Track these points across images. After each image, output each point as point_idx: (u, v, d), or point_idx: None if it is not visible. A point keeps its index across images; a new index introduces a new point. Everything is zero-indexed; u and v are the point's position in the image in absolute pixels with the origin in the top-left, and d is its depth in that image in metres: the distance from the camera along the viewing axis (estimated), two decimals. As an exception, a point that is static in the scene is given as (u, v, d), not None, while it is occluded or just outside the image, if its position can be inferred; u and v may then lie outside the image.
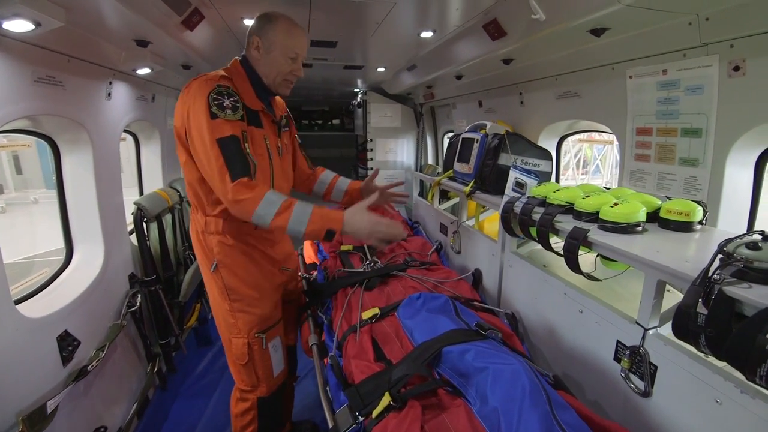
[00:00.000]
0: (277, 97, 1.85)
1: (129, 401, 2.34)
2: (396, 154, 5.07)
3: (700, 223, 1.32)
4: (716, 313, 0.86)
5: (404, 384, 1.21)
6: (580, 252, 1.32)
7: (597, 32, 1.69)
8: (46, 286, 1.96)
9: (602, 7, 1.47)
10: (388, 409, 1.14)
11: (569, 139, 2.92)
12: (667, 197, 1.56)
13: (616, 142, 2.07)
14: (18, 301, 1.69)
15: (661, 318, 1.11)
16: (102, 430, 1.99)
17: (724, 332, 0.85)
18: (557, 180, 2.80)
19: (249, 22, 2.15)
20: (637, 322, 1.14)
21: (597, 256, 1.43)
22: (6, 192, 10.38)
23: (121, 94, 2.38)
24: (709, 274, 0.90)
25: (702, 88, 1.57)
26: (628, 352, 1.15)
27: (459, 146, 2.38)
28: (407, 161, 5.13)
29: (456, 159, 2.38)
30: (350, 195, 2.05)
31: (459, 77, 3.07)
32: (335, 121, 6.86)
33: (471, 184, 2.13)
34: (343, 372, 1.43)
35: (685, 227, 1.31)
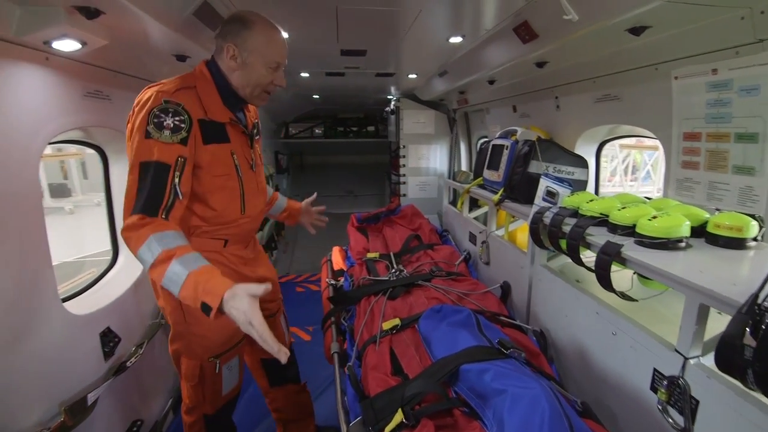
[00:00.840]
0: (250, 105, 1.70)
1: (165, 397, 2.45)
2: (429, 160, 5.02)
3: (755, 239, 1.18)
4: (766, 345, 0.75)
5: (419, 401, 1.18)
6: (615, 268, 1.22)
7: (636, 31, 1.57)
8: (92, 285, 2.11)
9: (641, 5, 1.36)
10: (400, 426, 1.11)
11: (616, 144, 2.74)
12: (718, 210, 1.41)
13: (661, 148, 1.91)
14: (66, 299, 1.83)
15: (704, 346, 1.00)
16: (138, 423, 2.11)
17: (775, 368, 0.74)
18: (598, 188, 2.64)
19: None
20: (676, 350, 1.03)
21: (634, 273, 1.33)
22: (74, 195, 11.43)
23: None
24: (759, 300, 0.79)
25: (758, 88, 1.41)
26: (666, 382, 1.04)
27: (489, 153, 2.30)
28: (440, 168, 5.06)
29: (486, 166, 2.30)
30: (289, 211, 2.09)
31: (491, 82, 2.99)
32: (370, 128, 6.92)
33: (500, 192, 2.05)
34: (360, 383, 1.42)
35: (736, 244, 1.17)
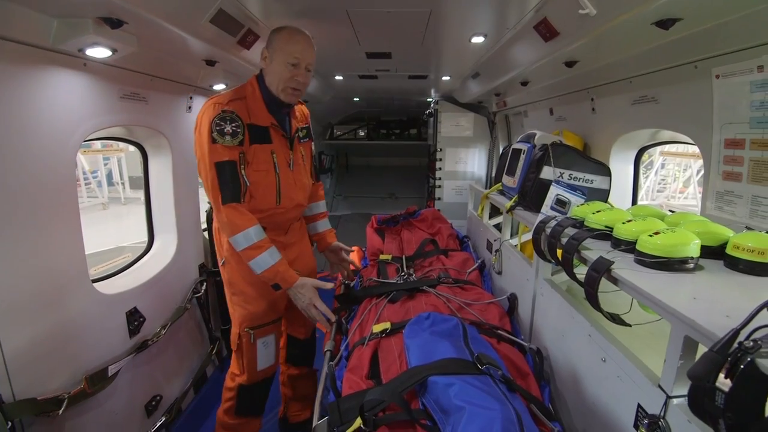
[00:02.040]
0: (300, 108, 1.97)
1: (187, 376, 2.64)
2: (466, 164, 4.87)
3: (784, 266, 1.00)
4: (740, 392, 0.64)
5: (383, 408, 1.15)
6: (615, 288, 1.10)
7: (664, 24, 1.40)
8: (127, 269, 2.34)
9: None
10: (359, 431, 1.09)
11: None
12: (748, 228, 1.22)
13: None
14: (97, 280, 2.04)
15: (693, 384, 0.86)
16: (158, 398, 2.29)
17: (749, 420, 0.63)
18: (636, 198, 2.40)
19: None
20: (659, 386, 0.90)
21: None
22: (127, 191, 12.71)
23: (200, 106, 2.72)
24: (741, 338, 0.67)
25: (815, 88, 1.20)
26: (646, 422, 0.92)
27: (509, 157, 2.19)
28: (478, 172, 4.90)
29: (505, 171, 2.19)
30: (320, 238, 2.26)
31: (524, 83, 2.84)
32: (412, 131, 6.89)
33: (514, 199, 1.94)
34: (337, 383, 1.42)
35: (759, 269, 1.00)
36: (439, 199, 4.95)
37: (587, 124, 2.50)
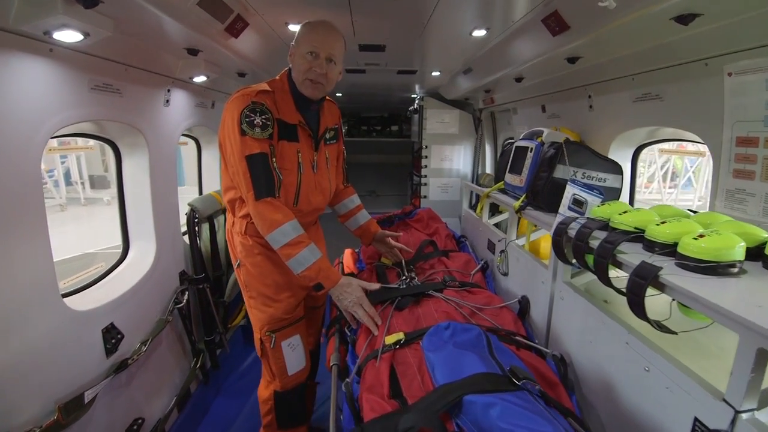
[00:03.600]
0: (330, 107, 1.87)
1: (170, 394, 2.43)
2: (452, 161, 4.84)
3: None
4: None
5: (415, 432, 1.05)
6: (651, 292, 1.05)
7: (684, 19, 1.37)
8: (100, 280, 2.11)
9: None
10: (391, 460, 0.99)
11: (655, 148, 2.49)
12: (781, 228, 1.20)
13: (708, 154, 1.69)
14: (68, 294, 1.82)
15: (761, 397, 0.82)
16: (140, 421, 2.08)
17: None
18: (633, 197, 2.41)
19: (294, 28, 2.13)
20: (725, 400, 0.85)
21: (673, 299, 1.14)
22: (112, 187, 11.96)
23: (179, 100, 2.51)
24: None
25: (837, 86, 1.20)
26: (709, 436, 0.87)
27: (512, 155, 2.13)
28: (464, 169, 4.87)
29: (508, 169, 2.13)
30: (363, 230, 2.17)
31: (519, 80, 2.80)
32: (394, 128, 6.80)
33: (522, 198, 1.88)
34: (356, 402, 1.30)
35: (805, 272, 0.98)
36: (425, 197, 4.90)
37: (584, 121, 2.49)
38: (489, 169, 4.70)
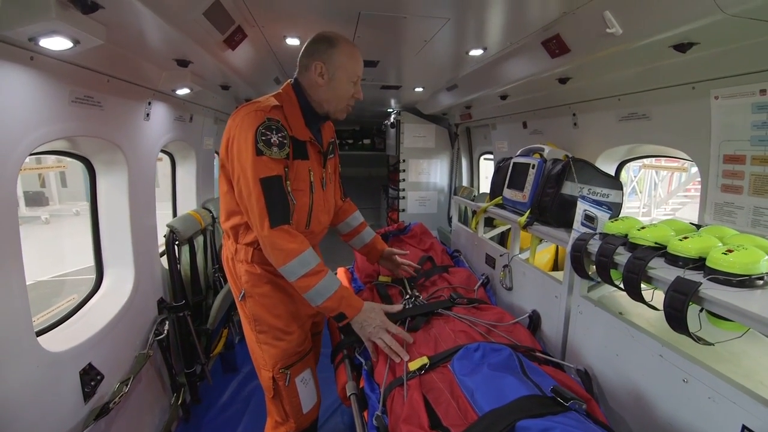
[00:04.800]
0: (328, 122, 1.79)
1: (151, 437, 2.20)
2: (429, 175, 4.90)
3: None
4: None
5: (470, 465, 1.00)
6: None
7: (683, 47, 1.47)
8: (74, 314, 1.87)
9: (695, 19, 1.27)
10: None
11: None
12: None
13: (693, 170, 1.82)
14: (41, 332, 1.59)
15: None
16: (121, 471, 1.85)
17: None
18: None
19: (291, 41, 2.06)
20: (776, 408, 0.89)
21: (701, 311, 1.19)
22: (51, 204, 10.89)
23: (159, 114, 2.33)
24: None
25: (817, 110, 1.33)
26: (764, 445, 0.90)
27: (510, 171, 2.17)
28: (440, 183, 4.95)
29: (506, 185, 2.17)
30: (370, 249, 2.08)
31: (504, 97, 2.90)
32: (366, 141, 6.79)
33: (527, 214, 1.92)
34: None
35: (819, 281, 1.05)
36: (403, 210, 4.90)
37: (568, 138, 2.61)
38: (465, 182, 4.81)
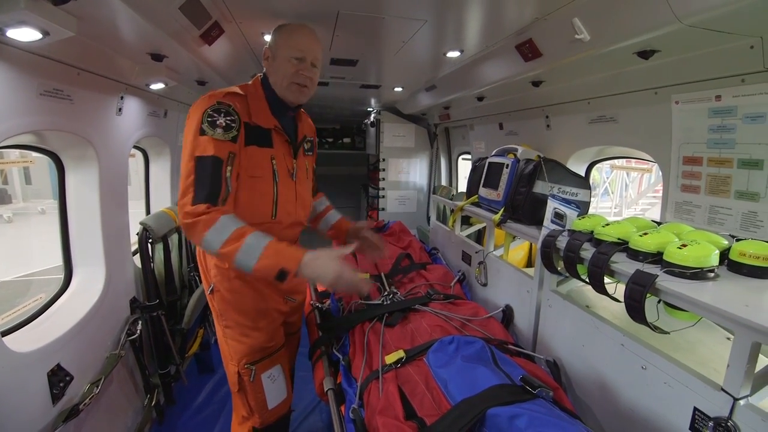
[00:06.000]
0: (306, 118, 1.79)
1: (123, 439, 2.15)
2: (408, 174, 4.95)
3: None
4: None
5: (443, 452, 1.04)
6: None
7: (645, 54, 1.56)
8: (41, 313, 1.81)
9: (656, 28, 1.34)
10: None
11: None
12: (733, 236, 1.39)
13: (657, 171, 1.92)
14: (7, 332, 1.54)
15: (753, 384, 0.94)
16: (91, 474, 1.81)
17: None
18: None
19: (269, 38, 2.05)
20: (723, 389, 0.96)
21: (659, 302, 1.27)
22: (14, 202, 10.37)
23: (132, 109, 2.28)
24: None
25: (764, 116, 1.43)
26: (711, 424, 0.97)
27: (485, 171, 2.24)
28: (420, 182, 5.01)
29: (482, 184, 2.23)
30: (336, 230, 2.03)
31: (480, 98, 2.97)
32: (346, 140, 6.77)
33: (501, 212, 1.98)
34: (366, 428, 1.26)
35: (760, 273, 1.14)
36: (383, 209, 4.94)
37: (542, 139, 2.70)
38: (444, 181, 4.88)
